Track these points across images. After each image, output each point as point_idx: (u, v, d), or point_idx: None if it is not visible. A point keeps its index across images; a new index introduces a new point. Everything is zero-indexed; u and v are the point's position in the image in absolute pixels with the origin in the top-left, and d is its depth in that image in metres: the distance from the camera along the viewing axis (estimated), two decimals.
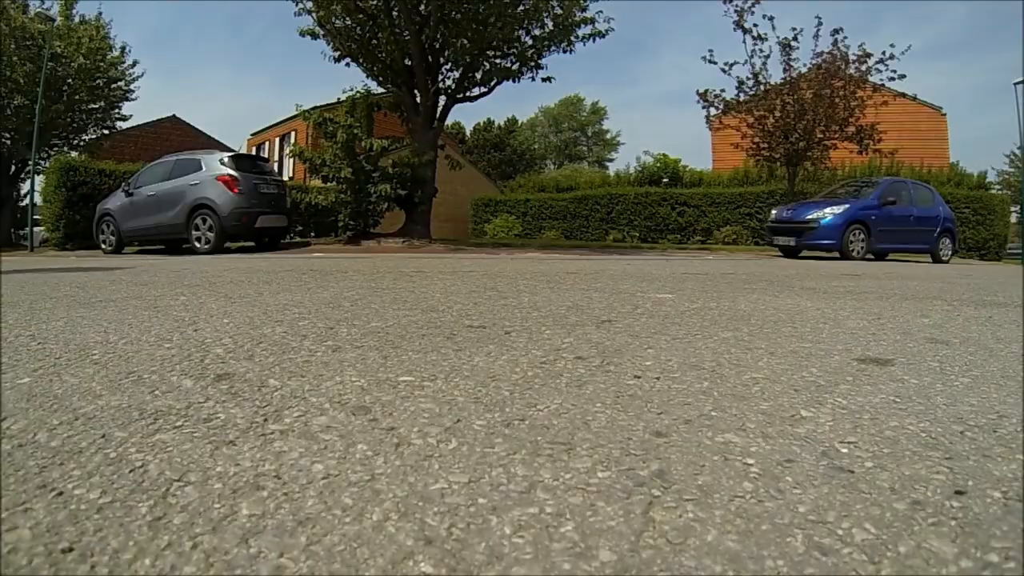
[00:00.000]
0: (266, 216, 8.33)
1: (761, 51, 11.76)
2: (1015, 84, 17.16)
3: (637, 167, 19.90)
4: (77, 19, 17.39)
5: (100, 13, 18.96)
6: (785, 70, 11.82)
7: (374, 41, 9.64)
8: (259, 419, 0.65)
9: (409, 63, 9.42)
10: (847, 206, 9.06)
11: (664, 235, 15.04)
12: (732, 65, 11.89)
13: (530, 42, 9.58)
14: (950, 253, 10.00)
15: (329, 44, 9.90)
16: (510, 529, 0.42)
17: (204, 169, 8.59)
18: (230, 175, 8.31)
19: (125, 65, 18.80)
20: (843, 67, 11.39)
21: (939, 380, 0.85)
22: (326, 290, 1.84)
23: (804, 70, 11.72)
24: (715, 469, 0.53)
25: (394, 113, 10.49)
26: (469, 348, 1.01)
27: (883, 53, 11.13)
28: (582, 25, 9.44)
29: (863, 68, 11.43)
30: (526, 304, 1.55)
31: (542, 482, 0.50)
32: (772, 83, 12.00)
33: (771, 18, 11.43)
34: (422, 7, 8.99)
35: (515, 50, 9.53)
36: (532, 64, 9.65)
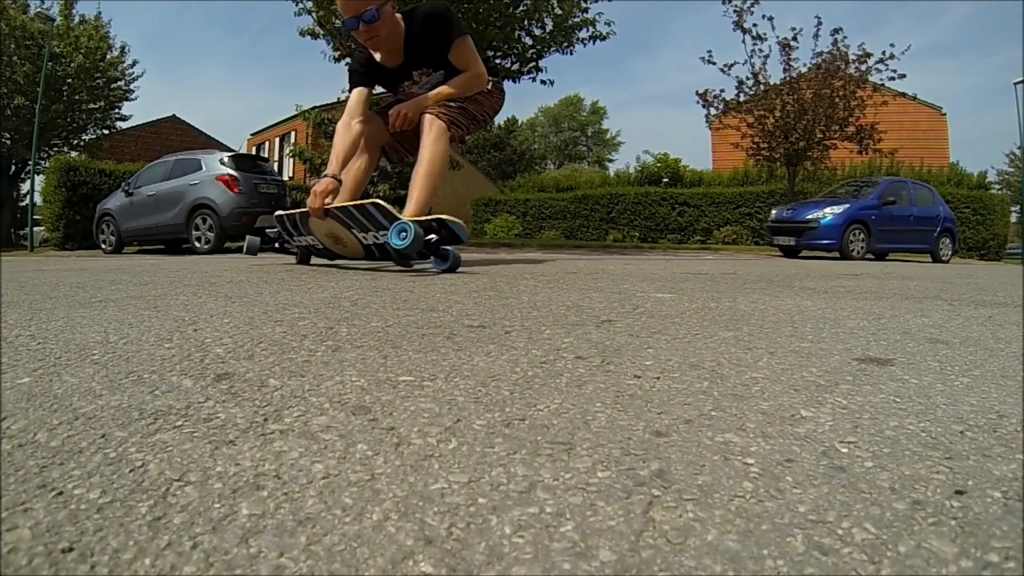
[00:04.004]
0: (266, 216, 8.34)
1: (760, 51, 11.77)
2: (1015, 84, 17.19)
3: (637, 167, 19.91)
4: (77, 19, 17.37)
5: (99, 13, 18.96)
6: (785, 70, 11.83)
7: None
8: (259, 419, 0.65)
9: None
10: (847, 206, 9.06)
11: (664, 235, 15.05)
12: (731, 65, 11.89)
13: (530, 42, 9.58)
14: (950, 253, 9.99)
15: (329, 44, 9.90)
16: (510, 529, 0.42)
17: (204, 169, 8.59)
18: (230, 175, 8.32)
19: (125, 65, 18.82)
20: (843, 67, 11.39)
21: (939, 380, 0.85)
22: (326, 290, 1.84)
23: (804, 70, 11.71)
24: (715, 469, 0.53)
25: None
26: (469, 348, 1.01)
27: (883, 53, 11.15)
28: (583, 27, 9.44)
29: (863, 68, 11.42)
30: (526, 304, 1.55)
31: (542, 482, 0.50)
32: (772, 83, 11.99)
33: (771, 18, 11.44)
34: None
35: (515, 50, 9.53)
36: (532, 66, 9.66)
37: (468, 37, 2.84)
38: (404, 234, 2.38)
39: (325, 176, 2.80)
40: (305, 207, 2.84)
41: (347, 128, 2.88)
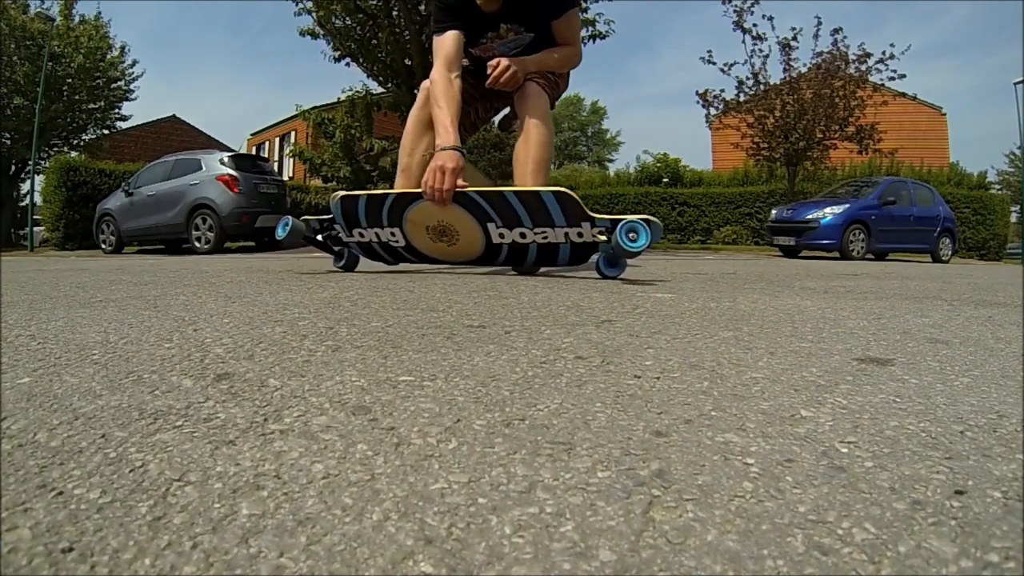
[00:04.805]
0: (266, 216, 8.35)
1: (760, 51, 11.77)
2: (1015, 84, 17.21)
3: (637, 167, 19.92)
4: (77, 19, 17.38)
5: (99, 12, 18.97)
6: (785, 70, 11.83)
7: (374, 41, 9.65)
8: (259, 419, 0.65)
9: (409, 63, 9.43)
10: (847, 206, 9.06)
11: (664, 235, 15.04)
12: (731, 65, 11.90)
13: None
14: (950, 253, 9.99)
15: (329, 44, 9.92)
16: (510, 529, 0.42)
17: (204, 169, 8.59)
18: (230, 175, 8.32)
19: (125, 65, 18.83)
20: (843, 67, 11.39)
21: (939, 380, 0.85)
22: (326, 290, 1.84)
23: (804, 70, 11.72)
24: (715, 469, 0.53)
25: (394, 113, 10.50)
26: (469, 348, 1.01)
27: (883, 53, 11.16)
28: (583, 27, 9.46)
29: (863, 68, 11.42)
30: (526, 304, 1.55)
31: (542, 482, 0.50)
32: (772, 83, 11.99)
33: (771, 18, 11.45)
34: (422, 7, 9.01)
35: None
36: None
37: (578, 10, 2.47)
38: (635, 235, 2.05)
39: (445, 149, 2.12)
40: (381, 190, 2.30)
41: (450, 84, 2.27)
